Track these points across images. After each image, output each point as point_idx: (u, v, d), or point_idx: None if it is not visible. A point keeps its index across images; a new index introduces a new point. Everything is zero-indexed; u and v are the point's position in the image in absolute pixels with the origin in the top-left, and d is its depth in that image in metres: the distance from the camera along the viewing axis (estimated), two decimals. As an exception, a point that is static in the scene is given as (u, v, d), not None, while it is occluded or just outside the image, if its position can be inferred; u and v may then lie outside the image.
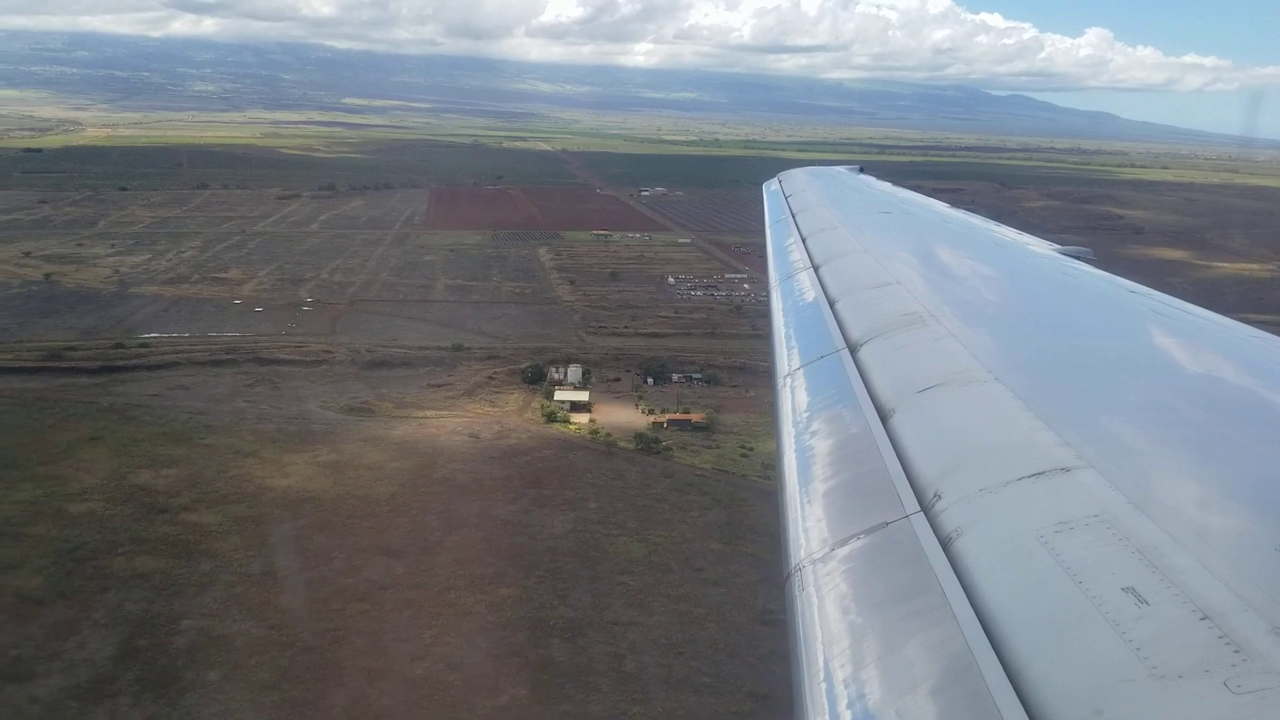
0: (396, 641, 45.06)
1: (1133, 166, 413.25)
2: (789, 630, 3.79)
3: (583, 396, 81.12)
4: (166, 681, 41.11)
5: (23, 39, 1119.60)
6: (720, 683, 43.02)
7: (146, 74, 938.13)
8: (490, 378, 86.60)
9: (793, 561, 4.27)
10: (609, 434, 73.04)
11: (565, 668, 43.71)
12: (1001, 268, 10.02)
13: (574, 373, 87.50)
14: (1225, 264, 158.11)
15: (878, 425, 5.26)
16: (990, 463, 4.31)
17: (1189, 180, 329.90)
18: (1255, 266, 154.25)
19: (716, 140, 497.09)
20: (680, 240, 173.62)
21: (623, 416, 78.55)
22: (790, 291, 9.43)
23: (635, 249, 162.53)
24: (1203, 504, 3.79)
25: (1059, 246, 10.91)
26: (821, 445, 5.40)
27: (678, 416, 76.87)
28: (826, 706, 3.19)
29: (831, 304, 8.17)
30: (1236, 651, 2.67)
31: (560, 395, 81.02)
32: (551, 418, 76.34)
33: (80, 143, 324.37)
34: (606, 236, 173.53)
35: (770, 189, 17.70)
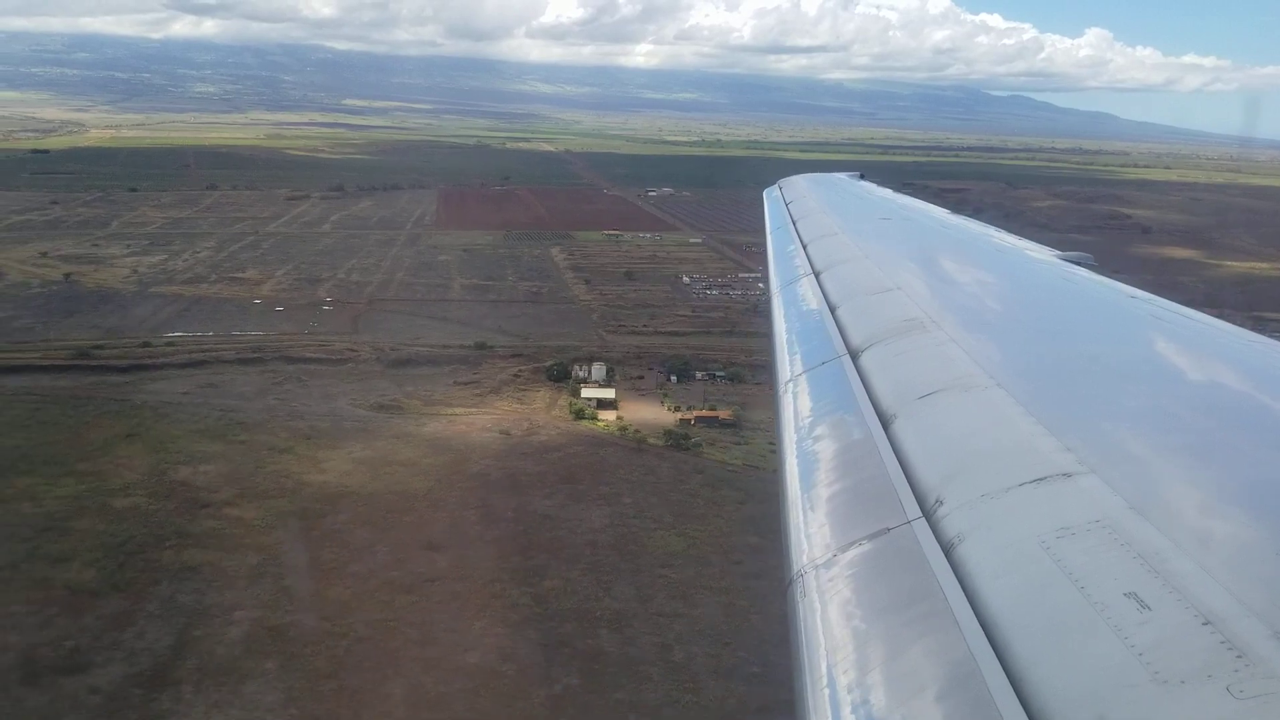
0: (447, 632, 45.79)
1: (1135, 166, 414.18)
2: (791, 636, 3.81)
3: (609, 394, 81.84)
4: (226, 670, 41.81)
5: (23, 40, 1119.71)
6: (769, 672, 43.65)
7: (147, 75, 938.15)
8: (516, 375, 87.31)
9: (795, 567, 4.30)
10: (638, 431, 73.74)
11: (615, 658, 44.43)
12: (1002, 273, 10.11)
13: (598, 370, 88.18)
14: (1235, 263, 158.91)
15: (879, 431, 5.30)
16: (992, 468, 4.33)
17: (1192, 180, 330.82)
18: (1265, 265, 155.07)
19: (718, 141, 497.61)
20: (691, 240, 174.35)
21: (649, 414, 79.26)
22: (791, 298, 9.48)
23: (647, 249, 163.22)
24: (1204, 509, 3.77)
25: (1059, 252, 10.98)
26: (823, 451, 5.43)
27: (705, 413, 77.59)
28: (830, 713, 3.20)
29: (832, 310, 8.19)
30: (1239, 656, 2.67)
31: (587, 393, 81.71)
32: (579, 415, 77.07)
33: (85, 144, 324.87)
34: (618, 236, 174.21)
35: (771, 195, 17.82)
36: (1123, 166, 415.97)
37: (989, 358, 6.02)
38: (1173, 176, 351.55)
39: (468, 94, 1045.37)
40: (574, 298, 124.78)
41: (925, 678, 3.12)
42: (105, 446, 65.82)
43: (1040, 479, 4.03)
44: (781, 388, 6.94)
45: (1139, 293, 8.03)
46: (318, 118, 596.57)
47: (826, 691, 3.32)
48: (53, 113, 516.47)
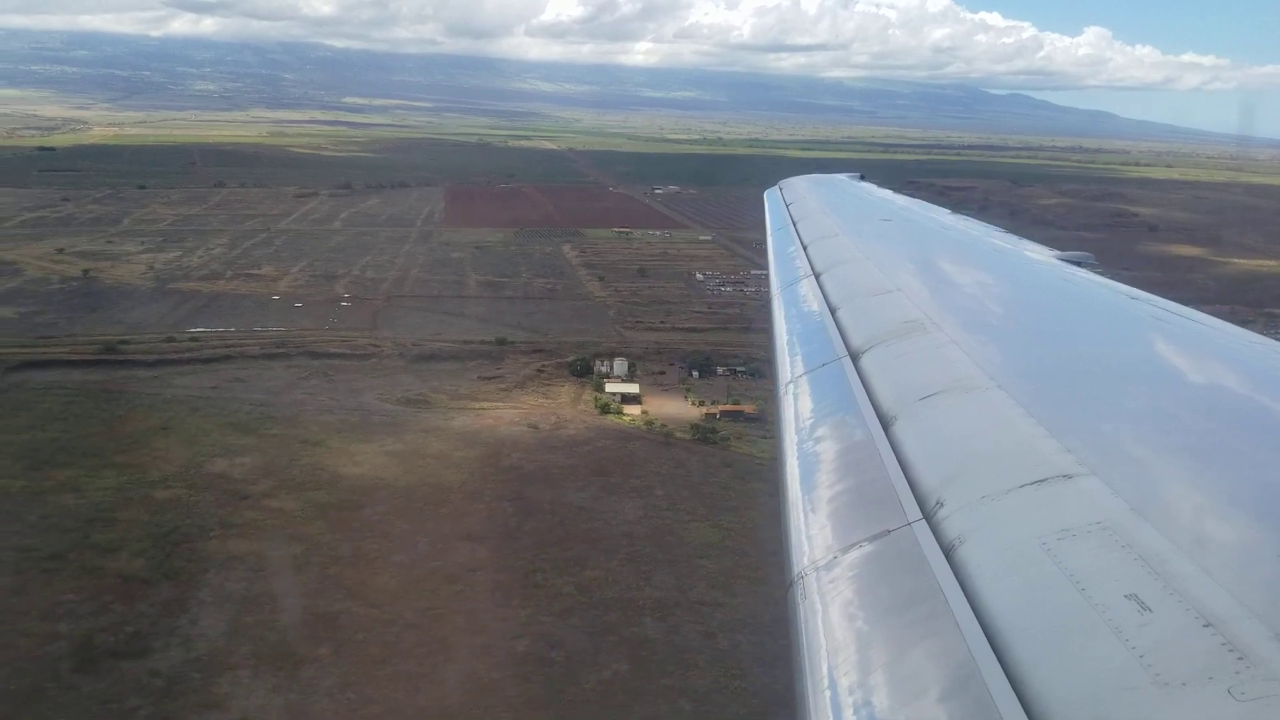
0: (494, 620, 46.56)
1: (1137, 165, 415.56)
2: (792, 638, 3.81)
3: (633, 389, 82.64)
4: (281, 656, 42.54)
5: (22, 38, 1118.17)
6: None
7: (147, 73, 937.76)
8: (539, 370, 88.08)
9: (795, 569, 4.29)
10: (664, 425, 74.53)
11: (661, 645, 45.23)
12: (1002, 274, 10.09)
13: (620, 366, 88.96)
14: (1242, 260, 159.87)
15: (879, 433, 5.31)
16: (992, 470, 4.34)
17: (1194, 179, 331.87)
18: (1273, 263, 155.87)
19: (720, 139, 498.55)
20: (701, 237, 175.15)
21: (673, 408, 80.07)
22: (792, 299, 9.46)
23: (658, 246, 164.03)
24: (1205, 511, 3.78)
25: (1059, 253, 10.99)
26: (823, 453, 5.43)
27: (730, 408, 78.40)
28: (831, 714, 3.20)
29: (833, 311, 8.18)
30: (1240, 659, 2.67)
31: (611, 388, 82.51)
32: (605, 409, 77.87)
33: (90, 141, 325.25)
34: (628, 234, 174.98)
35: (771, 197, 17.78)
36: (1124, 165, 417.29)
37: (989, 359, 6.04)
38: (1174, 175, 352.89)
39: (468, 92, 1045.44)
40: (589, 294, 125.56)
41: (926, 680, 3.13)
42: (140, 439, 66.53)
43: (1041, 481, 4.04)
44: (782, 389, 6.93)
45: (1139, 293, 8.07)
46: (319, 116, 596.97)
47: (828, 693, 3.30)
48: (54, 110, 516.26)
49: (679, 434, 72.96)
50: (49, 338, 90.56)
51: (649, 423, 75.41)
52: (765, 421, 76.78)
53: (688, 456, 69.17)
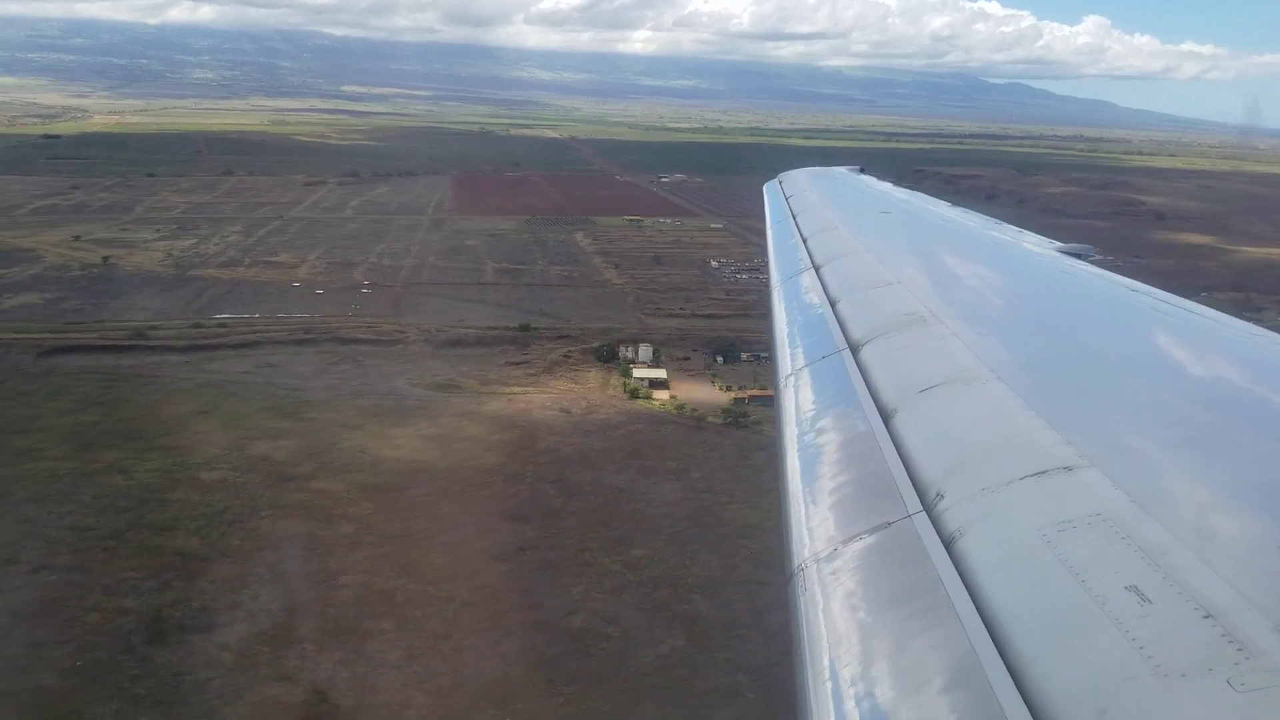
0: (548, 598, 47.49)
1: (1139, 154, 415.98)
2: (792, 630, 3.82)
3: (661, 374, 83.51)
4: (344, 630, 43.48)
5: (18, 25, 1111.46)
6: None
7: (144, 61, 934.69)
8: (566, 356, 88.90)
9: (795, 561, 4.28)
10: (694, 409, 75.42)
11: (714, 622, 46.16)
12: (1002, 267, 10.06)
13: (645, 352, 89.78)
14: (1251, 248, 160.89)
15: (879, 425, 5.29)
16: (992, 462, 4.34)
17: (1198, 168, 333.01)
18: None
19: (721, 128, 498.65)
20: (712, 225, 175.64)
21: (701, 393, 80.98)
22: (791, 292, 9.43)
23: (670, 234, 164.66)
24: (1205, 503, 3.78)
25: (1059, 244, 10.96)
26: (824, 445, 5.42)
27: (758, 393, 79.12)
28: (831, 706, 3.20)
29: (833, 304, 8.16)
30: (1240, 650, 2.68)
31: (638, 373, 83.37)
32: (634, 394, 78.75)
33: (93, 130, 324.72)
34: (639, 222, 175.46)
35: (771, 189, 17.70)
36: (1125, 154, 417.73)
37: (989, 351, 6.04)
38: (1178, 164, 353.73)
39: (466, 81, 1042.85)
40: (606, 281, 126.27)
41: (926, 671, 3.12)
42: (181, 423, 67.31)
43: (1041, 473, 4.04)
44: (782, 382, 6.93)
45: (1139, 285, 8.07)
46: (318, 104, 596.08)
47: (829, 685, 3.29)
48: (52, 98, 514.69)
49: (710, 418, 73.85)
50: (77, 323, 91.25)
51: (679, 407, 76.31)
52: (793, 406, 77.73)
53: (720, 440, 70.08)
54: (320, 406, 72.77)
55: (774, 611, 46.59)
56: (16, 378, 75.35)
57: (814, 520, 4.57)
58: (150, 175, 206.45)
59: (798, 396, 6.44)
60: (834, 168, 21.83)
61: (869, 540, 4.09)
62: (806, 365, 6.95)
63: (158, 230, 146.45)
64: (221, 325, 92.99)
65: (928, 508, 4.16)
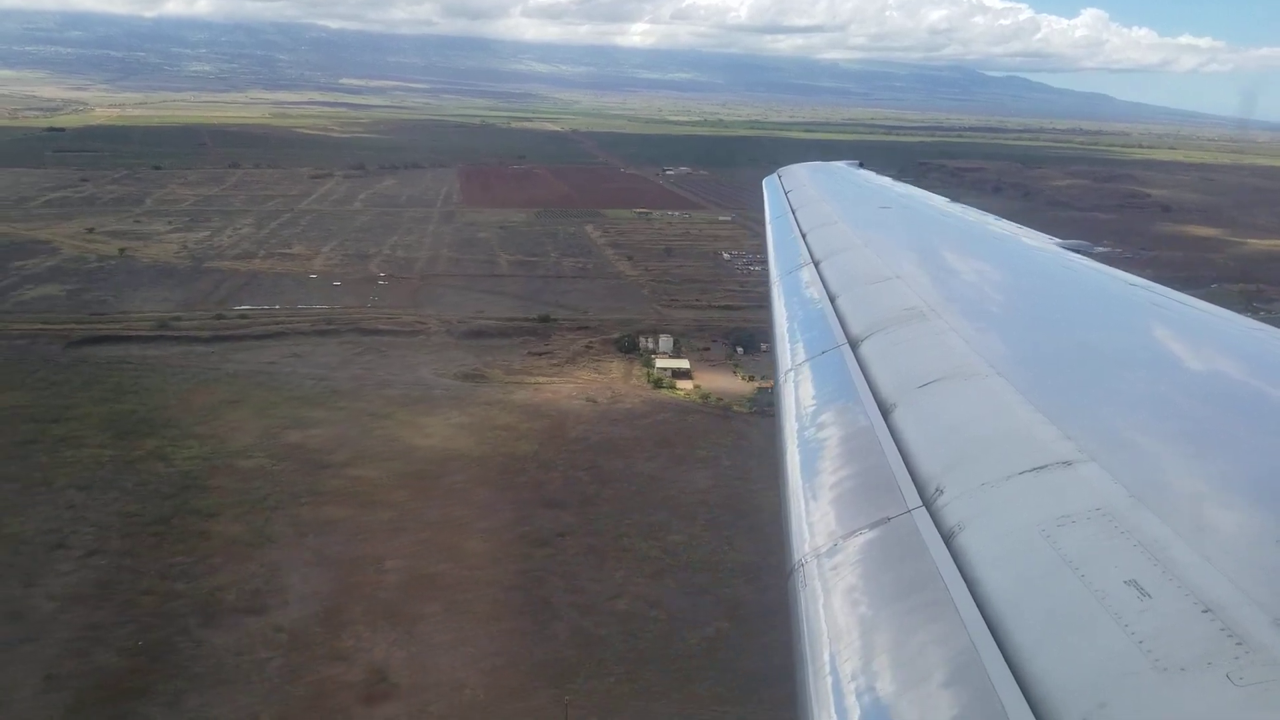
0: (590, 582, 48.23)
1: (1140, 147, 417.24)
2: (792, 625, 3.83)
3: (683, 364, 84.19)
4: (393, 613, 44.18)
5: (15, 18, 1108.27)
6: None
7: (142, 54, 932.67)
8: (588, 346, 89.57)
9: (795, 556, 4.30)
10: (719, 399, 76.14)
11: (755, 605, 46.77)
12: (1001, 261, 10.06)
13: (665, 342, 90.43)
14: (1257, 240, 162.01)
15: (879, 420, 5.30)
16: (992, 457, 4.34)
17: (1199, 160, 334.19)
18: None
19: (720, 121, 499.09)
20: (720, 218, 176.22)
21: (724, 383, 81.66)
22: (791, 287, 9.45)
23: (679, 226, 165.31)
24: (1204, 497, 3.77)
25: (1058, 239, 10.94)
26: (824, 440, 5.43)
27: (781, 382, 79.89)
28: (831, 700, 3.22)
29: (832, 299, 8.18)
30: (1239, 644, 2.68)
31: (661, 363, 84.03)
32: (658, 384, 79.42)
33: (96, 122, 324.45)
34: (647, 214, 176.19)
35: (770, 184, 17.75)
36: (1126, 147, 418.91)
37: (988, 346, 6.05)
38: (1179, 157, 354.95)
39: (464, 73, 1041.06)
40: (620, 273, 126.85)
41: (926, 666, 3.13)
42: (214, 411, 67.90)
43: (1040, 467, 4.05)
44: (782, 376, 6.94)
45: (1138, 280, 8.09)
46: (317, 97, 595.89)
47: (829, 679, 3.32)
48: (51, 91, 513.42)
49: (735, 407, 74.58)
50: (101, 314, 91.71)
51: (704, 397, 77.01)
52: (816, 395, 78.48)
53: (748, 429, 70.77)
54: (349, 396, 73.37)
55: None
56: (47, 368, 75.86)
57: (814, 515, 4.60)
58: (158, 168, 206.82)
59: (797, 391, 6.47)
60: (833, 162, 21.91)
61: (869, 535, 4.12)
62: (806, 360, 6.98)
63: (170, 222, 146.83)
64: (243, 316, 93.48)
65: (927, 503, 4.19)
